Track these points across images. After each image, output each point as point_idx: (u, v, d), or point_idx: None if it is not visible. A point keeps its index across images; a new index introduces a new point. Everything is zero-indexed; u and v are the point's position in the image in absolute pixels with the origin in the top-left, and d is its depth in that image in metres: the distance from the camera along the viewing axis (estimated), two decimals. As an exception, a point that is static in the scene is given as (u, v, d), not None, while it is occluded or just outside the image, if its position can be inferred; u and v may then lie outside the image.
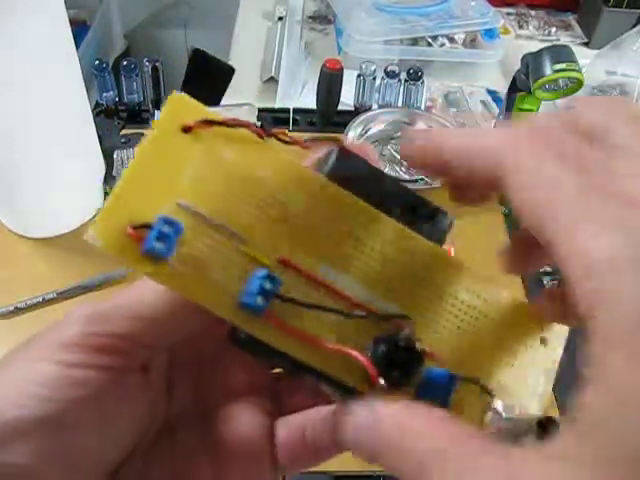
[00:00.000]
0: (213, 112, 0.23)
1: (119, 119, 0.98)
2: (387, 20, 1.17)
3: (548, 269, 0.82)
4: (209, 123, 0.22)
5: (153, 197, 0.21)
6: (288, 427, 0.26)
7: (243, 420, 0.26)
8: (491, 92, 1.17)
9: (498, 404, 0.24)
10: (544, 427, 0.22)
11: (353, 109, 1.00)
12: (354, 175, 0.24)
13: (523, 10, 1.43)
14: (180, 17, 1.56)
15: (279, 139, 0.24)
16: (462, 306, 0.24)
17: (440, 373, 0.23)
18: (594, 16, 1.32)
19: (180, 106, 0.23)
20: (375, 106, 1.00)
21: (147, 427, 0.26)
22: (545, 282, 0.79)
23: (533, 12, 1.43)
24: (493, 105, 1.14)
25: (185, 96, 0.23)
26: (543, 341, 0.25)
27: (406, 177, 0.89)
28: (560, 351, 0.25)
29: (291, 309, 0.22)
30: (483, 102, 1.15)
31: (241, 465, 0.25)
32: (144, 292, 0.23)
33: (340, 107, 0.99)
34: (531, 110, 0.92)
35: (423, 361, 0.22)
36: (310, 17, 1.38)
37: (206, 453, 0.26)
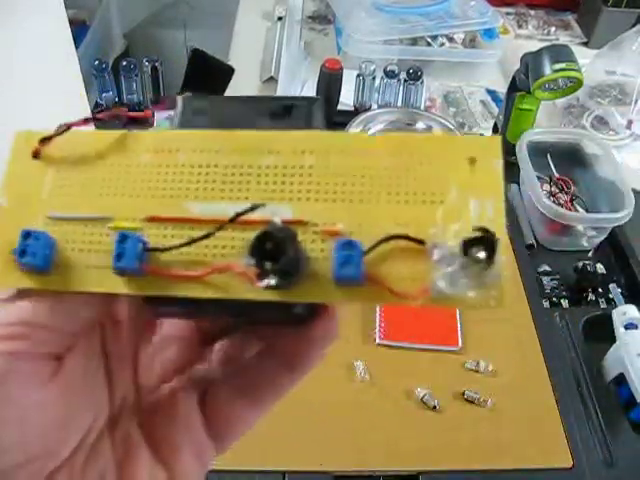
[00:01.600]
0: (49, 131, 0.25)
1: (119, 119, 0.98)
2: (386, 20, 1.17)
3: (548, 269, 0.82)
4: (47, 139, 0.25)
5: (24, 221, 0.23)
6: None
7: (176, 405, 0.26)
8: (490, 92, 1.17)
9: (436, 246, 0.21)
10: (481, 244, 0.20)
11: (353, 109, 1.00)
12: (203, 111, 0.25)
13: (522, 10, 1.43)
14: (180, 17, 1.56)
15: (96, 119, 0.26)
16: (346, 171, 0.23)
17: (339, 249, 0.21)
18: (593, 16, 1.32)
19: (26, 137, 0.25)
20: (375, 106, 1.00)
21: (88, 422, 0.25)
22: (545, 282, 0.79)
23: (532, 12, 1.43)
24: (492, 105, 1.14)
25: (29, 129, 0.26)
26: (472, 161, 0.22)
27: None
28: (498, 168, 0.22)
29: (175, 256, 0.22)
30: (482, 102, 1.15)
31: (177, 446, 0.26)
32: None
33: (340, 107, 1.00)
34: (531, 110, 0.92)
35: (293, 240, 0.21)
36: (310, 17, 1.38)
37: (145, 443, 0.26)
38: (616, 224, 0.82)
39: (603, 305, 0.77)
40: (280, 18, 1.32)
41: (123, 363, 0.27)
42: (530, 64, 0.86)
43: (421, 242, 0.21)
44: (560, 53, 0.85)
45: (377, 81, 0.98)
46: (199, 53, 0.99)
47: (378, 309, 0.72)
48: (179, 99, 0.27)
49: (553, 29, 1.38)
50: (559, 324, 0.74)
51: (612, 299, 0.78)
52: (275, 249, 0.20)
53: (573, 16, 1.42)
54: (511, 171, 0.94)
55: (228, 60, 1.16)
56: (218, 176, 0.23)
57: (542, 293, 0.78)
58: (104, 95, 0.96)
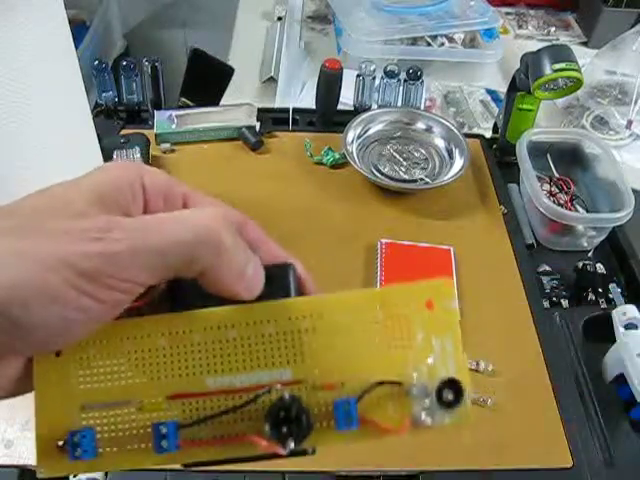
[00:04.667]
0: None
1: (118, 119, 0.98)
2: (386, 20, 1.18)
3: (548, 269, 0.82)
4: None
5: (61, 415, 0.26)
6: None
7: None
8: (490, 92, 1.17)
9: (413, 386, 0.26)
10: (452, 388, 0.26)
11: (353, 109, 1.00)
12: (183, 295, 0.28)
13: (522, 10, 1.43)
14: (179, 17, 1.56)
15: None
16: (331, 330, 0.27)
17: (337, 406, 0.26)
18: (593, 15, 1.32)
19: None
20: (374, 106, 1.00)
21: None
22: (545, 282, 0.79)
23: (532, 12, 1.43)
24: (492, 105, 1.14)
25: None
26: (429, 305, 0.27)
27: (406, 177, 0.89)
28: (454, 308, 0.27)
29: (200, 427, 0.26)
30: (482, 102, 1.15)
31: None
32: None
33: (340, 107, 0.99)
34: (531, 110, 0.92)
35: (303, 410, 0.25)
36: (309, 17, 1.38)
37: None
38: (616, 224, 0.82)
39: (603, 305, 0.77)
40: (280, 18, 1.32)
41: None
42: (530, 64, 0.86)
43: (399, 384, 0.26)
44: (560, 53, 0.85)
45: (377, 81, 0.98)
46: (199, 53, 0.99)
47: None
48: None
49: (553, 29, 1.38)
50: (559, 324, 0.74)
51: (612, 299, 0.77)
52: (287, 416, 0.25)
53: (573, 16, 1.42)
54: (511, 171, 0.95)
55: (228, 60, 1.16)
56: (230, 349, 0.27)
57: (542, 293, 0.78)
58: (104, 95, 0.96)
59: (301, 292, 0.29)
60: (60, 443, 0.26)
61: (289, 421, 0.25)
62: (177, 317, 0.27)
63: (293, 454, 0.26)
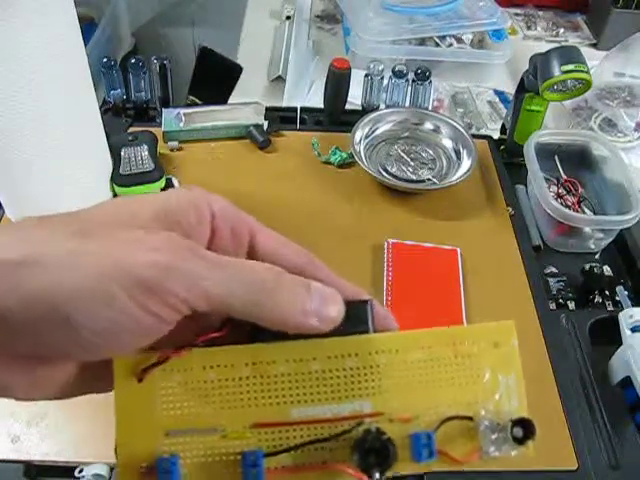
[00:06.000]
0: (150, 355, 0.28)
1: (127, 117, 0.98)
2: (395, 20, 1.17)
3: (554, 270, 0.82)
4: (148, 369, 0.27)
5: (145, 440, 0.27)
6: None
7: None
8: (499, 93, 1.17)
9: (482, 420, 0.28)
10: (522, 426, 0.28)
11: (360, 108, 1.00)
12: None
13: (531, 11, 1.43)
14: (188, 15, 1.56)
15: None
16: (407, 366, 0.29)
17: (417, 439, 0.28)
18: (603, 17, 1.31)
19: (126, 365, 0.28)
20: (382, 106, 1.00)
21: None
22: (551, 284, 0.79)
23: (541, 13, 1.43)
24: (500, 106, 1.14)
25: (127, 358, 0.28)
26: (497, 345, 0.30)
27: (413, 177, 0.89)
28: (516, 348, 0.30)
29: (285, 455, 0.27)
30: (490, 103, 1.15)
31: None
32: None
33: (347, 106, 0.99)
34: (539, 111, 0.92)
35: (389, 442, 0.27)
36: (318, 16, 1.38)
37: None
38: (623, 226, 0.82)
39: (610, 307, 0.77)
40: (288, 17, 1.32)
41: None
42: (539, 65, 0.86)
43: (470, 418, 0.28)
44: (569, 54, 0.85)
45: (385, 81, 0.98)
46: (207, 51, 1.00)
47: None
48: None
49: (562, 30, 1.37)
50: (565, 326, 0.74)
51: (619, 301, 0.77)
52: (372, 447, 0.27)
53: (582, 17, 1.42)
54: (518, 172, 0.94)
55: (236, 58, 1.16)
56: (312, 381, 0.28)
57: (548, 295, 0.78)
58: (112, 92, 0.96)
59: (378, 328, 0.30)
60: (142, 467, 0.27)
61: (375, 452, 0.27)
62: (260, 348, 0.28)
63: None
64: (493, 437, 0.28)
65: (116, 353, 0.26)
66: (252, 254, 0.30)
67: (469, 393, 0.29)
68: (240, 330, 0.28)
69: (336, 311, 0.27)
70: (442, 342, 0.29)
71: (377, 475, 0.26)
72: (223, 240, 0.29)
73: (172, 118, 0.94)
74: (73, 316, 0.23)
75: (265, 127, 0.94)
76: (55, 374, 0.26)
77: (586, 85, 0.86)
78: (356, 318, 0.29)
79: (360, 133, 0.93)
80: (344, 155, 0.91)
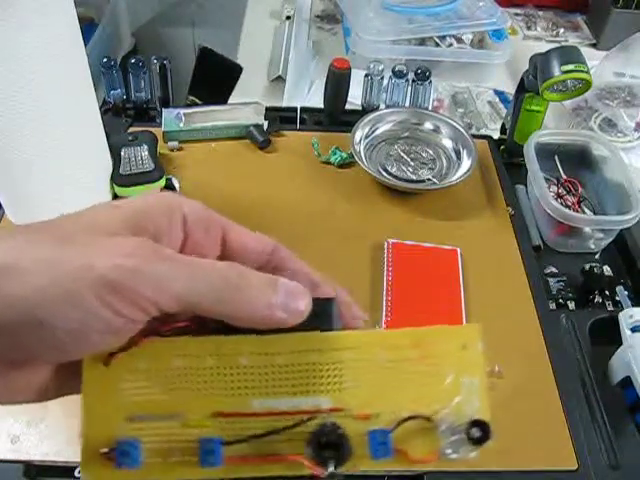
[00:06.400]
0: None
1: (127, 117, 0.98)
2: (395, 20, 1.17)
3: (554, 270, 0.82)
4: (114, 353, 0.28)
5: (108, 424, 0.27)
6: None
7: None
8: (499, 93, 1.17)
9: (441, 421, 0.28)
10: (480, 427, 0.28)
11: (360, 108, 1.00)
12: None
13: (531, 11, 1.43)
14: (188, 15, 1.56)
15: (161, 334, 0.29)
16: (370, 364, 0.29)
17: (374, 437, 0.28)
18: (603, 17, 1.31)
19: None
20: (382, 106, 1.00)
21: None
22: (551, 284, 0.79)
23: (541, 13, 1.43)
24: (500, 106, 1.14)
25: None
26: (464, 347, 0.30)
27: (413, 177, 0.89)
28: (481, 351, 0.30)
29: (243, 445, 0.28)
30: (490, 103, 1.15)
31: None
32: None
33: (347, 106, 0.99)
34: (539, 111, 0.92)
35: (344, 437, 0.27)
36: (318, 16, 1.38)
37: None
38: (623, 226, 0.82)
39: (610, 307, 0.77)
40: (288, 17, 1.32)
41: None
42: (539, 65, 0.86)
43: (428, 419, 0.28)
44: (569, 54, 0.85)
45: (385, 81, 0.98)
46: (207, 51, 1.00)
47: (384, 310, 0.72)
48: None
49: (562, 30, 1.37)
50: (565, 326, 0.74)
51: (619, 301, 0.77)
52: (328, 442, 0.27)
53: (582, 17, 1.42)
54: (518, 172, 0.94)
55: (236, 59, 1.16)
56: (275, 374, 0.28)
57: (548, 295, 0.78)
58: (112, 92, 0.96)
59: (343, 325, 0.31)
60: (104, 451, 0.27)
61: (330, 446, 0.27)
62: (225, 340, 0.28)
63: (330, 477, 0.27)
64: (453, 438, 0.28)
65: (88, 352, 0.27)
66: (225, 252, 0.31)
67: (431, 394, 0.29)
68: (206, 327, 0.29)
69: (304, 305, 0.28)
70: (408, 343, 0.29)
71: (332, 468, 0.27)
72: (197, 241, 0.30)
73: (172, 118, 0.94)
74: (46, 319, 0.24)
75: (265, 127, 0.94)
76: (30, 377, 0.27)
77: (586, 85, 0.86)
78: (321, 315, 0.29)
79: (360, 133, 0.93)
80: (344, 155, 0.91)
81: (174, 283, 0.26)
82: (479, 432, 0.28)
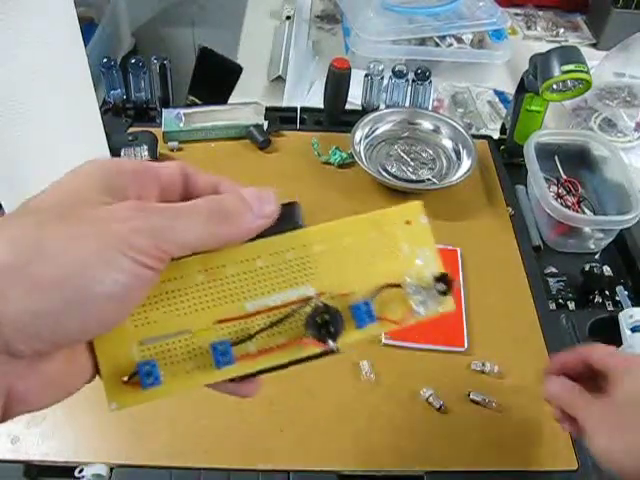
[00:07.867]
0: None
1: (127, 117, 0.98)
2: (395, 20, 1.17)
3: (554, 270, 0.82)
4: None
5: (123, 352, 0.30)
6: None
7: None
8: (499, 93, 1.17)
9: (408, 286, 0.33)
10: (443, 281, 0.33)
11: (360, 108, 1.00)
12: None
13: (531, 11, 1.43)
14: (188, 16, 1.56)
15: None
16: (339, 250, 0.33)
17: (357, 308, 0.32)
18: (603, 17, 1.31)
19: None
20: (382, 106, 1.00)
21: None
22: (551, 284, 0.79)
23: (541, 13, 1.43)
24: (500, 106, 1.14)
25: None
26: (408, 222, 0.34)
27: (413, 177, 0.89)
28: (425, 222, 0.34)
29: (248, 343, 0.31)
30: (490, 103, 1.15)
31: None
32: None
33: (347, 106, 0.99)
34: (539, 111, 0.92)
35: (337, 312, 0.31)
36: (318, 16, 1.38)
37: None
38: (623, 226, 0.82)
39: (610, 307, 0.77)
40: (288, 17, 1.32)
41: None
42: (539, 65, 0.86)
43: (398, 285, 0.33)
44: (569, 54, 0.85)
45: (385, 81, 0.98)
46: (207, 51, 1.00)
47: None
48: None
49: (562, 30, 1.37)
50: (565, 326, 0.74)
51: (619, 301, 0.77)
52: (323, 320, 0.31)
53: (582, 17, 1.42)
54: (518, 172, 0.94)
55: (236, 59, 1.16)
56: (259, 277, 0.32)
57: (548, 295, 0.78)
58: (112, 92, 0.96)
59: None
60: (125, 379, 0.29)
61: (326, 323, 0.30)
62: (209, 256, 0.31)
63: (337, 350, 0.31)
64: (420, 298, 0.33)
65: (132, 310, 0.29)
66: (187, 194, 0.33)
67: (394, 266, 0.33)
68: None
69: (273, 204, 0.31)
70: (365, 226, 0.33)
71: (331, 343, 0.30)
72: (169, 190, 0.32)
73: (172, 118, 0.94)
74: (89, 286, 0.26)
75: (265, 127, 0.94)
76: (77, 360, 0.29)
77: (586, 85, 0.86)
78: (288, 217, 0.33)
79: (360, 133, 0.93)
80: (344, 155, 0.91)
81: (174, 230, 0.28)
82: (443, 285, 0.32)
